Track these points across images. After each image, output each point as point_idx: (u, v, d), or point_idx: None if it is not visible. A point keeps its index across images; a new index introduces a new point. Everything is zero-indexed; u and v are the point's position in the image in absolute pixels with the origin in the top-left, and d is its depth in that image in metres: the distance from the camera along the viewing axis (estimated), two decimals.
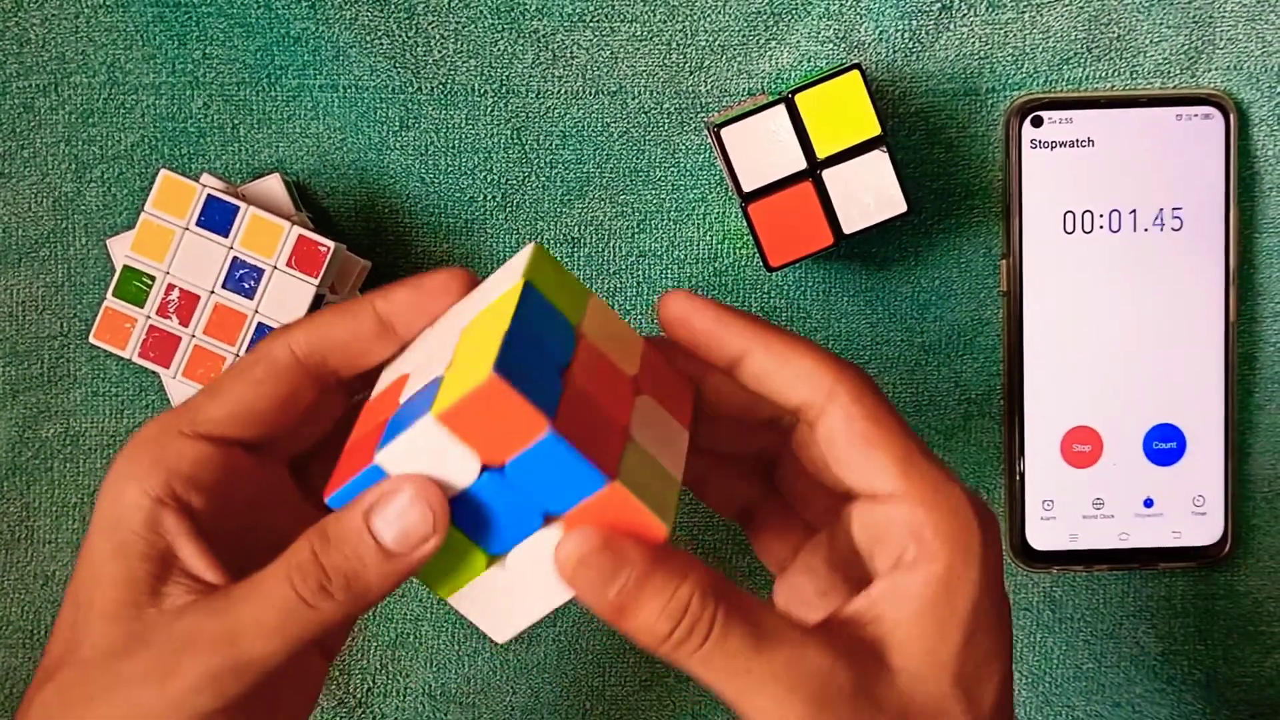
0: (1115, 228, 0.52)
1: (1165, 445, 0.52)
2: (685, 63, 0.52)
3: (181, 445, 0.36)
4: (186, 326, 0.48)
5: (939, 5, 0.52)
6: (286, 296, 0.48)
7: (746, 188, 0.49)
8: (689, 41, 0.52)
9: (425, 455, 0.33)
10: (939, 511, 0.34)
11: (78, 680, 0.34)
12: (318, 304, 0.48)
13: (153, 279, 0.48)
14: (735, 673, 0.33)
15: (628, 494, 0.32)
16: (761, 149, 0.48)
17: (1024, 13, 0.52)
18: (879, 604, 0.34)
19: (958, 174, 0.53)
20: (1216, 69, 0.52)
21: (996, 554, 0.35)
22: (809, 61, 0.52)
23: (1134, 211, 0.52)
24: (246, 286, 0.48)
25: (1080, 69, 0.52)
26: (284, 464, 0.39)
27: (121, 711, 0.34)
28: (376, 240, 0.52)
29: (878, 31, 0.51)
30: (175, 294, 0.48)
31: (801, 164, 0.48)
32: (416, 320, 0.37)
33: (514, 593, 0.35)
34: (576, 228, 0.53)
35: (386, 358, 0.37)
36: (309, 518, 0.36)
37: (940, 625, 0.34)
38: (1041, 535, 0.53)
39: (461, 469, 0.33)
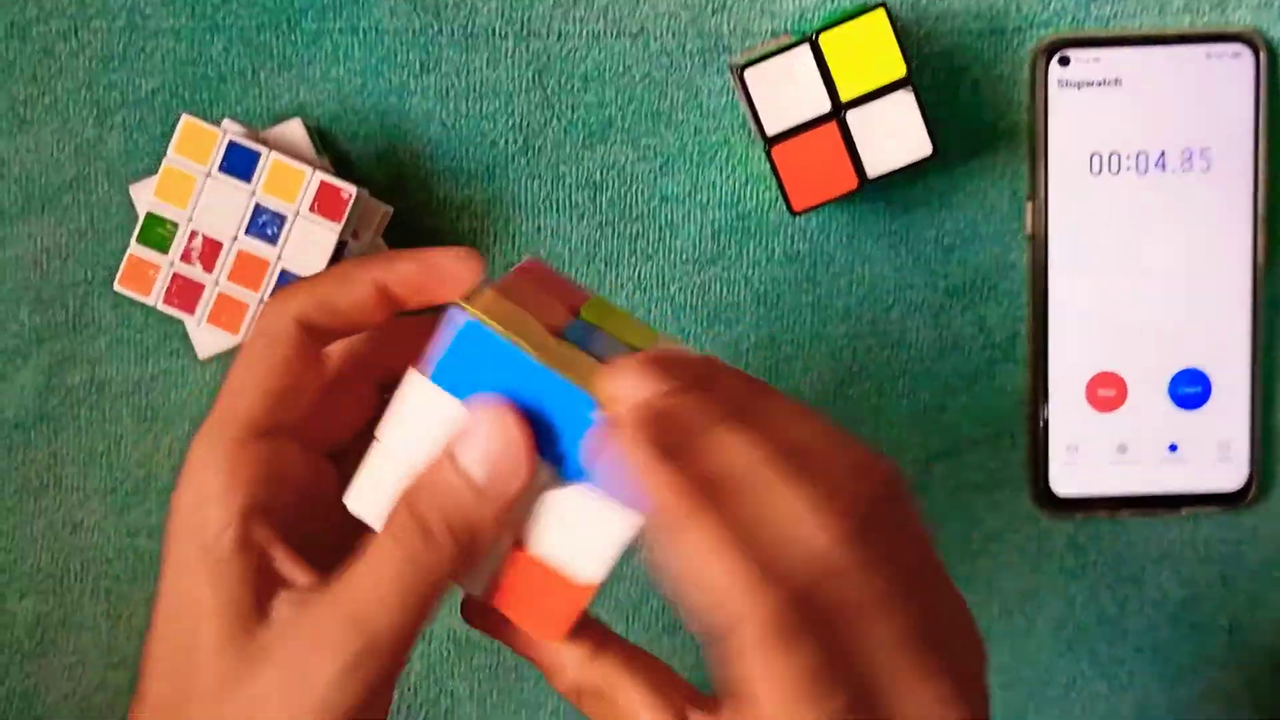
0: (1143, 169, 0.51)
1: (1191, 390, 0.52)
2: (707, 3, 0.51)
3: (243, 451, 0.35)
4: (210, 273, 0.48)
5: None
6: (309, 242, 0.48)
7: (770, 130, 0.48)
8: None
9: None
10: None
11: (207, 716, 0.34)
12: (340, 250, 0.48)
13: (176, 225, 0.48)
14: None
15: None
16: (785, 91, 0.48)
17: None
18: None
19: (983, 115, 0.52)
20: (1246, 6, 0.51)
21: None
22: (833, 1, 0.51)
23: (1162, 152, 0.51)
24: (269, 233, 0.48)
25: (1108, 6, 0.51)
26: (328, 459, 0.38)
27: None
28: (397, 185, 0.52)
29: None
30: (198, 240, 0.48)
31: (826, 106, 0.48)
32: (417, 299, 0.36)
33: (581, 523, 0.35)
34: (598, 172, 0.52)
35: (383, 321, 0.37)
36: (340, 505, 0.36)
37: None
38: (1066, 481, 0.53)
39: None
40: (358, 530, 0.36)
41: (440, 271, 0.36)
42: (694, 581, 0.31)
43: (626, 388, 0.32)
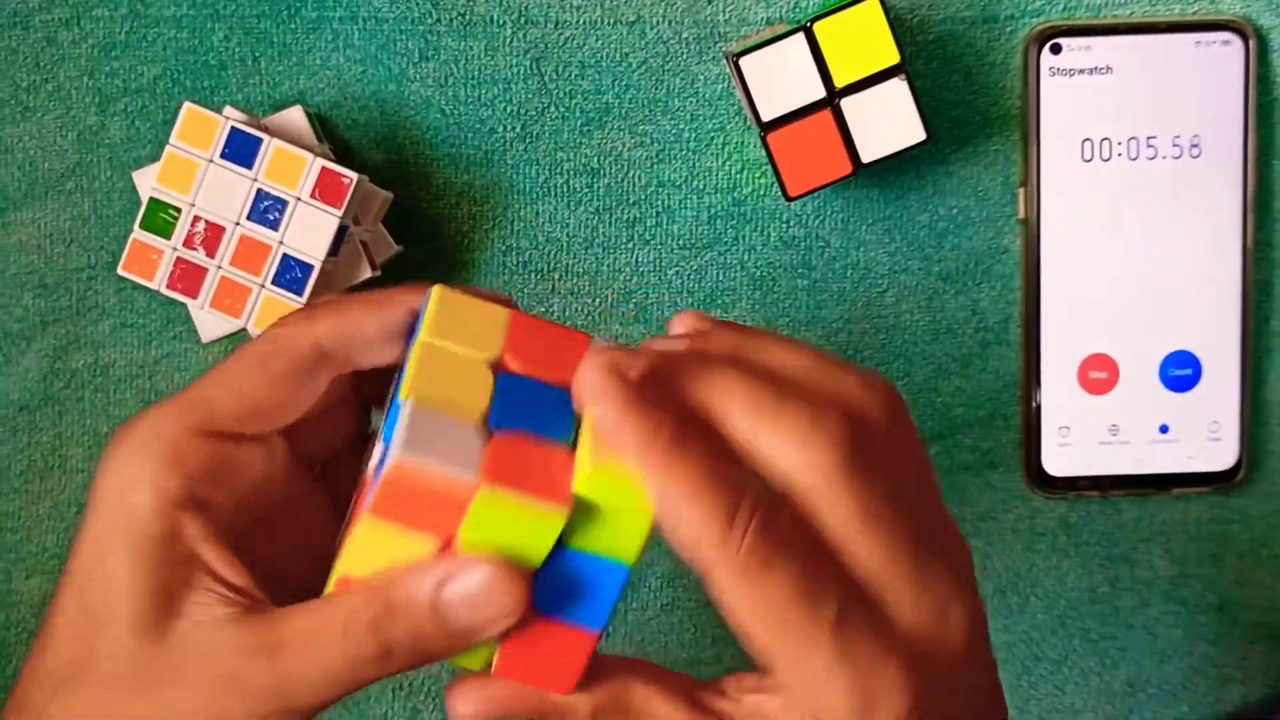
0: (1133, 155, 0.52)
1: (1181, 372, 0.53)
2: None
3: (197, 442, 0.34)
4: (213, 258, 0.49)
5: None
6: (310, 228, 0.48)
7: (765, 117, 0.49)
8: None
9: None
10: (805, 709, 0.32)
11: (105, 699, 0.33)
12: (341, 235, 0.49)
13: (179, 211, 0.49)
14: None
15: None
16: (780, 78, 0.48)
17: None
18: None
19: (976, 102, 0.53)
20: None
21: None
22: None
23: (1152, 139, 0.52)
24: (271, 218, 0.48)
25: None
26: (298, 458, 0.37)
27: None
28: (397, 172, 0.53)
29: None
30: (201, 226, 0.49)
31: (820, 93, 0.49)
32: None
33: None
34: (595, 158, 0.53)
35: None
36: (328, 516, 0.36)
37: None
38: (1058, 461, 0.53)
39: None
40: (321, 545, 0.36)
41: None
42: (671, 529, 0.32)
43: (601, 364, 0.32)
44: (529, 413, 0.33)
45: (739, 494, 0.31)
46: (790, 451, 0.31)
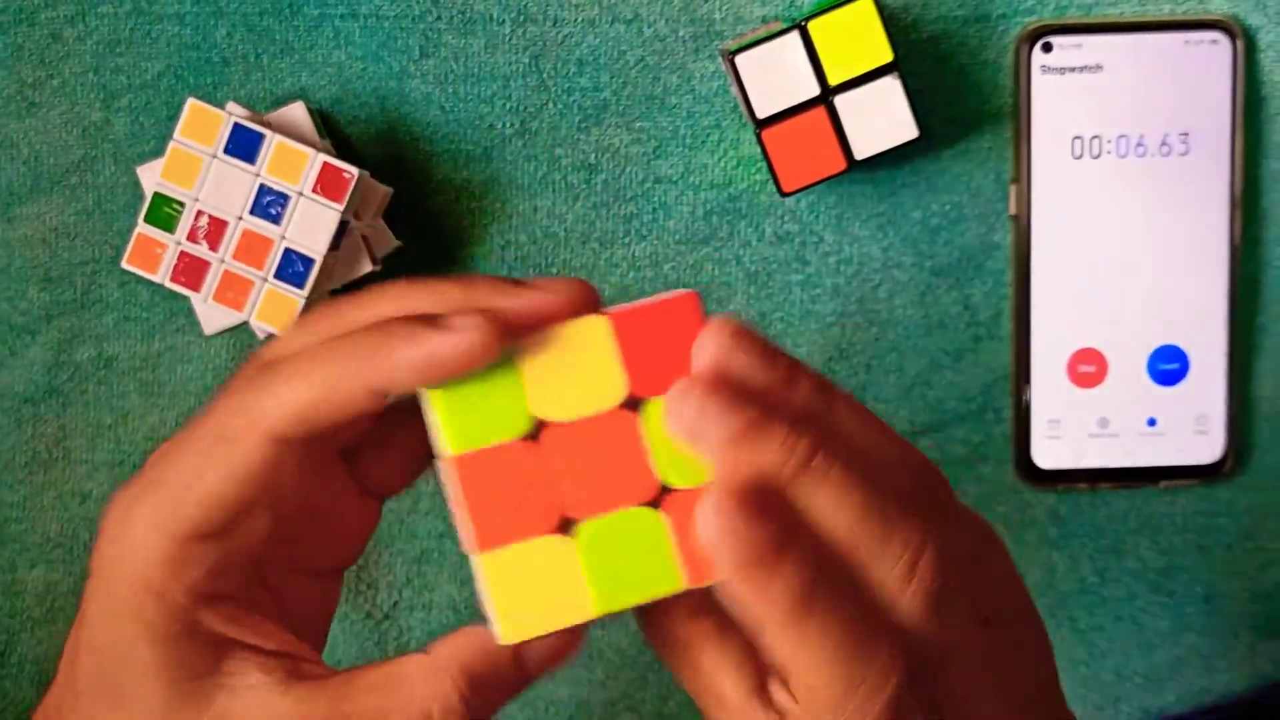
0: (1123, 153, 0.52)
1: (1169, 366, 0.53)
2: None
3: (188, 548, 0.31)
4: (216, 251, 0.49)
5: None
6: (312, 222, 0.49)
7: (760, 114, 0.49)
8: None
9: None
10: None
11: None
12: (342, 230, 0.50)
13: (182, 205, 0.49)
14: None
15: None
16: (775, 75, 0.49)
17: None
18: None
19: (968, 100, 0.53)
20: None
21: None
22: None
23: (1141, 137, 0.52)
24: (273, 213, 0.49)
25: None
26: (334, 453, 0.35)
27: None
28: (397, 167, 0.53)
29: None
30: (204, 220, 0.49)
31: (815, 90, 0.49)
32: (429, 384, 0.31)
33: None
34: (593, 154, 0.53)
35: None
36: (359, 504, 0.35)
37: None
38: (1047, 454, 0.54)
39: None
40: (351, 522, 0.35)
41: (442, 365, 0.30)
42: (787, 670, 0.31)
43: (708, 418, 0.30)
44: None
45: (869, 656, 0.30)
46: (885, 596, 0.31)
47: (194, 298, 0.50)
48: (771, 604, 0.30)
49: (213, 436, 0.31)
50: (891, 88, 0.49)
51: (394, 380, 0.30)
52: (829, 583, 0.30)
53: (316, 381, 0.30)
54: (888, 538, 0.31)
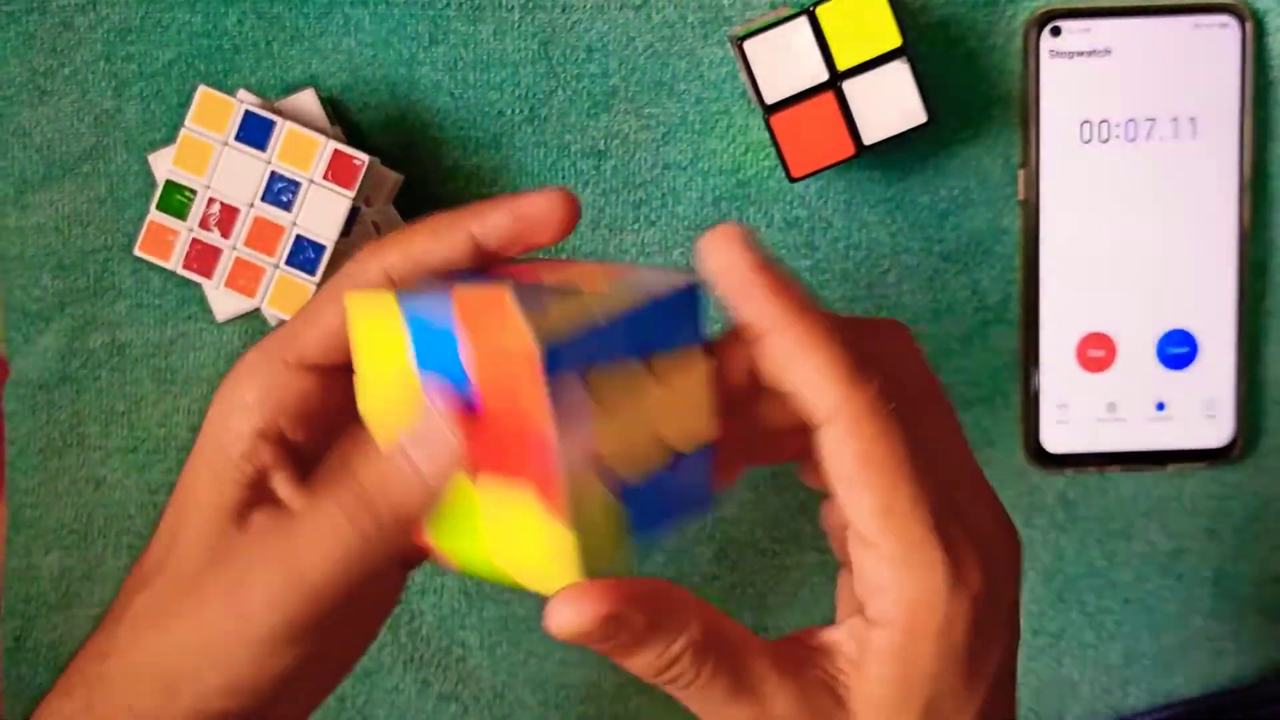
0: (1131, 136, 0.53)
1: (1178, 350, 0.54)
2: None
3: (286, 377, 0.37)
4: (227, 238, 0.50)
5: None
6: (323, 209, 0.49)
7: (769, 99, 0.50)
8: None
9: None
10: (906, 575, 0.33)
11: (167, 593, 0.37)
12: (353, 217, 0.50)
13: (194, 192, 0.50)
14: (710, 714, 0.34)
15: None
16: (783, 61, 0.49)
17: None
18: (846, 645, 0.34)
19: (977, 84, 0.53)
20: None
21: (967, 621, 0.33)
22: None
23: (1150, 120, 0.52)
24: (284, 200, 0.49)
25: None
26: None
27: (199, 623, 0.36)
28: (407, 154, 0.54)
29: None
30: (216, 207, 0.50)
31: (823, 75, 0.49)
32: (511, 250, 0.36)
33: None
34: (602, 140, 0.54)
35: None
36: (398, 574, 0.39)
37: (899, 690, 0.33)
38: (1056, 438, 0.54)
39: None
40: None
41: (531, 220, 0.36)
42: (797, 370, 0.33)
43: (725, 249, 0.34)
44: None
45: (863, 355, 0.33)
46: (819, 389, 0.33)
47: (206, 284, 0.50)
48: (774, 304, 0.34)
49: (337, 286, 0.37)
50: (900, 73, 0.49)
51: (485, 224, 0.36)
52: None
53: (425, 231, 0.36)
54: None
